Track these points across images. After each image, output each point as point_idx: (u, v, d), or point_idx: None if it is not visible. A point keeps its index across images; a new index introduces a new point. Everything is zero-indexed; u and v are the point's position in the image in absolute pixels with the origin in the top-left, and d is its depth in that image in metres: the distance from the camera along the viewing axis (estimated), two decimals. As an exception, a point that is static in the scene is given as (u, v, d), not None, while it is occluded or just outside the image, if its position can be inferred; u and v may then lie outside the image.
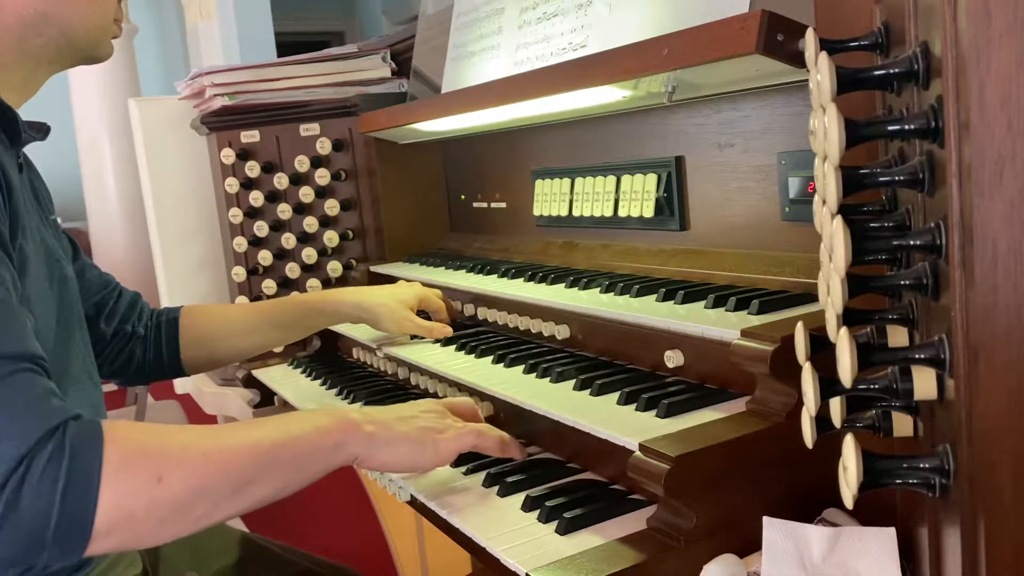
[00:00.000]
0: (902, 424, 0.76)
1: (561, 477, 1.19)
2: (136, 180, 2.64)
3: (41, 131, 1.27)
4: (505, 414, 1.39)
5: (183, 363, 1.58)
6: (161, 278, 2.42)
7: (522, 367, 1.37)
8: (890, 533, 0.83)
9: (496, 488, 1.17)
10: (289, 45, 6.18)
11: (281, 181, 2.15)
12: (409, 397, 1.62)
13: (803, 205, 1.23)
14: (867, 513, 0.86)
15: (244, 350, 1.66)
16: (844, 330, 0.69)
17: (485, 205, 2.08)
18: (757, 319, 1.10)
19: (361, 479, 2.69)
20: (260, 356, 2.07)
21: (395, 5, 8.80)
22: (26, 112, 1.22)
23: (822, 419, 0.76)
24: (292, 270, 2.17)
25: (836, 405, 0.75)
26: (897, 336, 0.76)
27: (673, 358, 1.19)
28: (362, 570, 1.71)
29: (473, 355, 1.50)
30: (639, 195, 1.52)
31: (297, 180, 2.16)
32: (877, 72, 0.71)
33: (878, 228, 0.75)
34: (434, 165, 2.24)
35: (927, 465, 0.69)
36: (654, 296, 1.32)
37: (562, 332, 1.42)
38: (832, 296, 0.72)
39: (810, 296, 1.16)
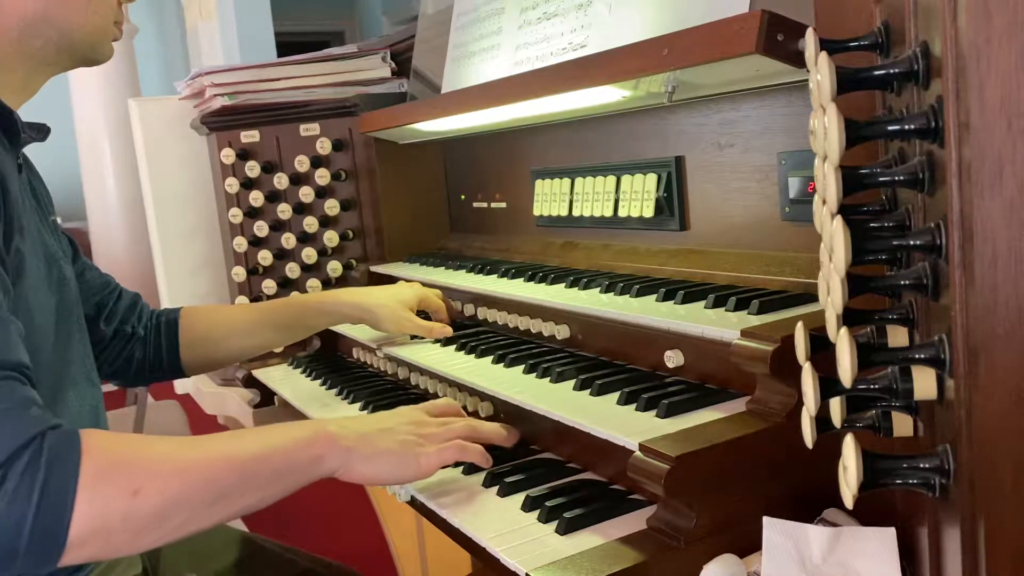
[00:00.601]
0: (902, 424, 0.76)
1: (561, 477, 1.19)
2: (136, 180, 2.64)
3: (41, 132, 1.27)
4: (505, 414, 1.39)
5: (183, 364, 1.58)
6: (161, 278, 2.42)
7: (522, 367, 1.37)
8: (890, 533, 0.83)
9: (496, 488, 1.17)
10: (289, 45, 6.18)
11: (281, 181, 2.15)
12: (409, 397, 1.62)
13: (803, 205, 1.23)
14: (867, 513, 0.86)
15: (244, 351, 1.66)
16: (844, 330, 0.69)
17: (485, 205, 2.08)
18: (757, 319, 1.10)
19: (361, 479, 2.68)
20: (260, 356, 2.07)
21: (395, 5, 8.80)
22: (26, 112, 1.22)
23: (822, 419, 0.76)
24: (292, 270, 2.17)
25: (836, 405, 0.75)
26: (897, 336, 0.76)
27: (673, 358, 1.19)
28: (362, 570, 1.71)
29: (473, 355, 1.50)
30: (639, 195, 1.52)
31: (297, 180, 2.16)
32: (877, 72, 0.71)
33: (878, 228, 0.75)
34: (434, 165, 2.24)
35: (927, 465, 0.69)
36: (654, 296, 1.32)
37: (562, 332, 1.42)
38: (832, 296, 0.72)
39: (810, 296, 1.16)
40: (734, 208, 1.38)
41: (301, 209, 2.17)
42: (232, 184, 2.14)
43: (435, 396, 1.56)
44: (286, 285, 2.18)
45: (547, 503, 1.07)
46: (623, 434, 1.03)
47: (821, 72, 0.70)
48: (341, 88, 2.19)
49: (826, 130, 0.68)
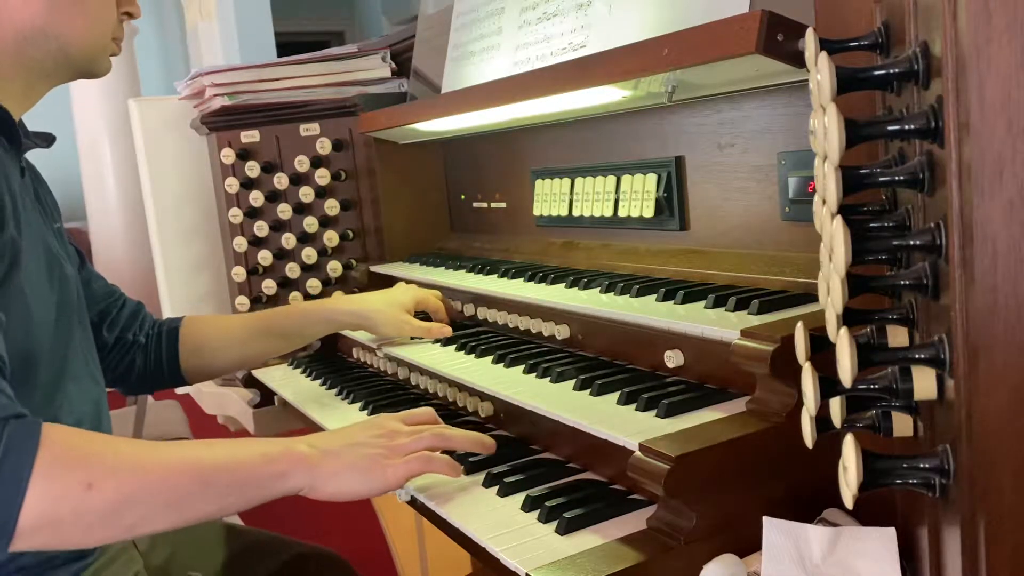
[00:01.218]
0: (902, 424, 0.76)
1: (561, 477, 1.19)
2: (136, 180, 2.64)
3: (47, 140, 1.30)
4: (505, 414, 1.39)
5: (183, 372, 1.60)
6: (161, 278, 2.42)
7: (522, 367, 1.37)
8: (890, 533, 0.83)
9: (496, 488, 1.17)
10: (289, 45, 6.18)
11: (281, 181, 2.15)
12: (409, 397, 1.62)
13: (803, 205, 1.23)
14: (867, 513, 0.86)
15: (243, 359, 1.68)
16: (844, 330, 0.69)
17: (485, 205, 2.08)
18: (757, 319, 1.10)
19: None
20: (260, 357, 2.06)
21: (395, 5, 8.80)
22: (27, 113, 1.23)
23: (822, 419, 0.76)
24: (292, 270, 2.17)
25: (836, 405, 0.75)
26: (897, 336, 0.76)
27: (673, 358, 1.19)
28: (362, 570, 1.72)
29: (473, 355, 1.50)
30: (639, 195, 1.52)
31: (297, 180, 2.16)
32: (877, 72, 0.71)
33: (878, 228, 0.75)
34: (434, 165, 2.24)
35: (927, 465, 0.69)
36: (654, 296, 1.32)
37: (562, 332, 1.42)
38: (832, 296, 0.72)
39: (810, 296, 1.16)
40: (734, 208, 1.38)
41: (301, 209, 2.17)
42: (232, 184, 2.14)
43: (435, 396, 1.56)
44: (286, 285, 2.18)
45: (547, 503, 1.07)
46: (623, 434, 1.03)
47: (821, 72, 0.70)
48: (341, 88, 2.19)
49: (826, 130, 0.68)
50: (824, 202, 0.71)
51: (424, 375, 1.58)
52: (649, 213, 1.50)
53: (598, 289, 1.43)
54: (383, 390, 1.69)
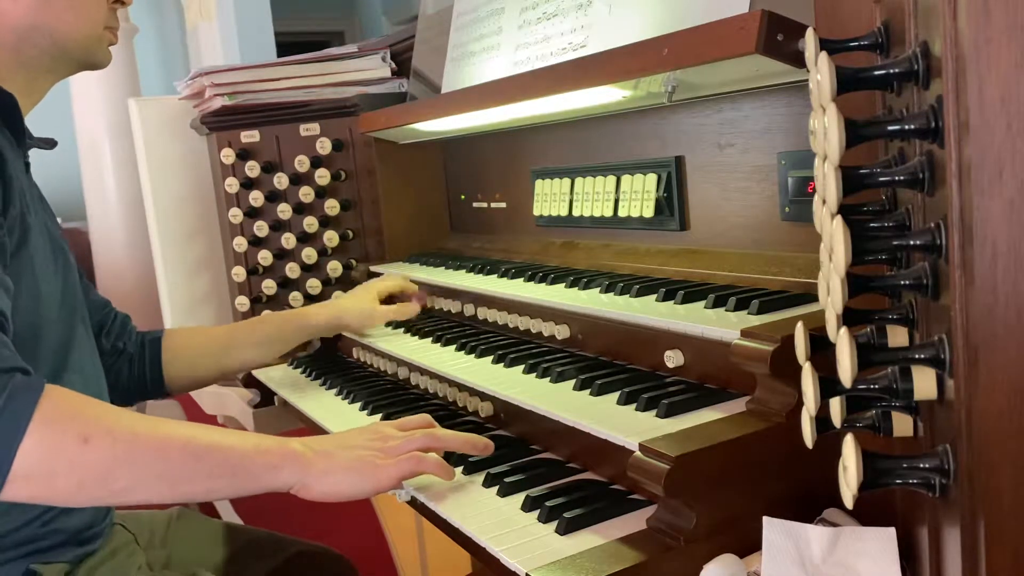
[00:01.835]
0: (902, 424, 0.76)
1: (561, 477, 1.19)
2: (136, 180, 2.64)
3: (48, 144, 1.31)
4: (505, 414, 1.39)
5: (166, 382, 1.62)
6: (161, 278, 2.42)
7: (522, 367, 1.37)
8: (890, 533, 0.83)
9: (496, 488, 1.17)
10: (289, 45, 6.18)
11: (281, 181, 2.15)
12: (409, 397, 1.62)
13: (803, 205, 1.23)
14: (867, 513, 0.86)
15: (225, 368, 1.69)
16: (844, 330, 0.69)
17: (485, 205, 2.08)
18: (757, 319, 1.10)
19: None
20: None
21: (395, 5, 8.80)
22: (27, 113, 1.24)
23: (822, 419, 0.76)
24: (292, 270, 2.17)
25: (836, 405, 0.75)
26: (897, 336, 0.76)
27: (673, 358, 1.19)
28: (362, 570, 1.72)
29: (473, 355, 1.50)
30: (639, 195, 1.52)
31: (297, 180, 2.16)
32: (877, 72, 0.71)
33: (878, 228, 0.75)
34: (434, 165, 2.24)
35: (927, 465, 0.69)
36: (654, 296, 1.32)
37: (562, 332, 1.42)
38: (832, 296, 0.72)
39: (810, 296, 1.16)
40: (734, 208, 1.38)
41: (301, 209, 2.17)
42: (232, 184, 2.14)
43: (435, 396, 1.56)
44: (286, 285, 2.18)
45: (547, 503, 1.07)
46: (623, 434, 1.03)
47: (821, 72, 0.70)
48: (341, 88, 2.19)
49: (826, 130, 0.68)
50: (824, 202, 0.71)
51: (424, 375, 1.58)
52: (649, 213, 1.50)
53: (598, 289, 1.43)
54: (383, 390, 1.69)
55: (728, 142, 1.37)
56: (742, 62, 1.08)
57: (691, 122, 1.44)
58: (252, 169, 2.14)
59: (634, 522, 1.02)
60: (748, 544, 0.91)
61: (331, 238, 2.18)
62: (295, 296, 2.18)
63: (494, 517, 1.09)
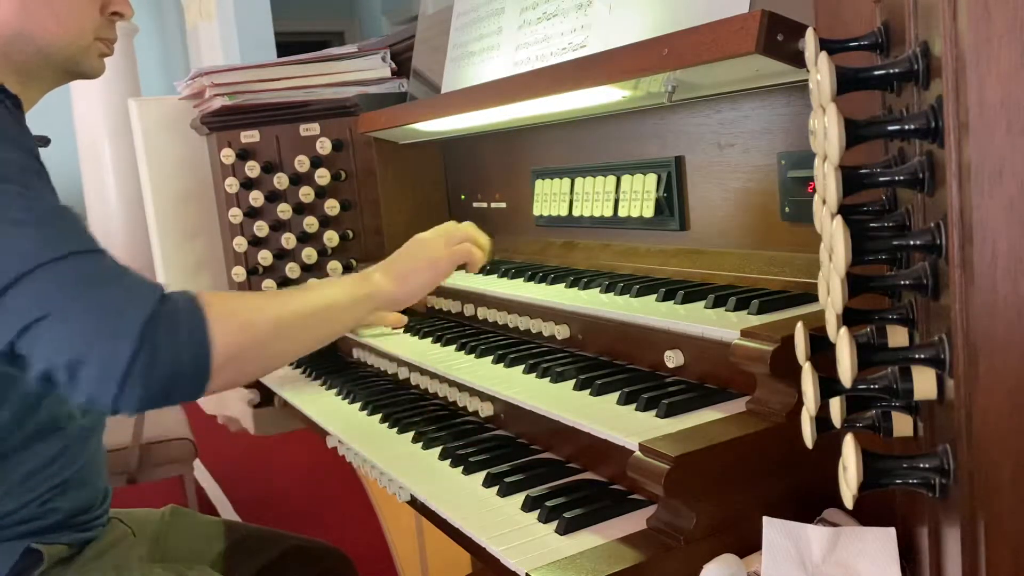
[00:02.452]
0: (902, 424, 0.76)
1: (561, 477, 1.19)
2: (136, 180, 2.64)
3: (43, 141, 1.31)
4: (505, 414, 1.39)
5: None
6: (161, 278, 2.42)
7: (522, 367, 1.37)
8: (890, 533, 0.83)
9: (496, 488, 1.17)
10: (289, 45, 6.18)
11: (281, 181, 2.15)
12: (409, 397, 1.62)
13: (803, 205, 1.23)
14: (867, 513, 0.86)
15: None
16: (844, 330, 0.69)
17: (485, 205, 2.08)
18: (757, 319, 1.10)
19: (361, 479, 2.69)
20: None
21: (395, 5, 8.80)
22: (28, 115, 1.25)
23: (822, 419, 0.76)
24: (292, 270, 2.17)
25: (836, 405, 0.75)
26: (897, 336, 0.76)
27: (673, 358, 1.19)
28: (362, 570, 1.72)
29: (473, 355, 1.50)
30: (639, 195, 1.52)
31: (297, 180, 2.16)
32: (877, 72, 0.71)
33: (878, 228, 0.75)
34: (434, 165, 2.24)
35: (927, 465, 0.69)
36: (654, 296, 1.32)
37: (562, 332, 1.42)
38: (832, 296, 0.72)
39: (810, 296, 1.16)
40: (734, 208, 1.38)
41: (301, 209, 2.17)
42: (232, 184, 2.14)
43: (435, 396, 1.56)
44: (286, 285, 2.18)
45: (547, 503, 1.07)
46: (623, 434, 1.03)
47: (821, 72, 0.70)
48: (341, 88, 2.19)
49: (826, 130, 0.68)
50: (824, 202, 0.71)
51: (424, 375, 1.58)
52: (649, 213, 1.50)
53: (598, 289, 1.43)
54: (383, 390, 1.70)
55: (728, 142, 1.37)
56: (742, 62, 1.08)
57: (691, 122, 1.44)
58: (252, 169, 2.14)
59: (634, 522, 1.02)
60: (748, 544, 0.91)
61: (331, 238, 2.18)
62: (295, 296, 2.17)
63: (494, 517, 1.09)
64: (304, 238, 2.19)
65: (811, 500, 0.93)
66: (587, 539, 1.00)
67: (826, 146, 0.68)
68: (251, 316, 1.16)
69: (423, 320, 1.81)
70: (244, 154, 2.14)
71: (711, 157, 1.41)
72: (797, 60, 1.02)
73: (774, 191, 1.29)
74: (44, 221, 1.07)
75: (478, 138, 2.04)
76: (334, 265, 2.20)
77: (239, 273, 2.17)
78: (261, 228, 2.16)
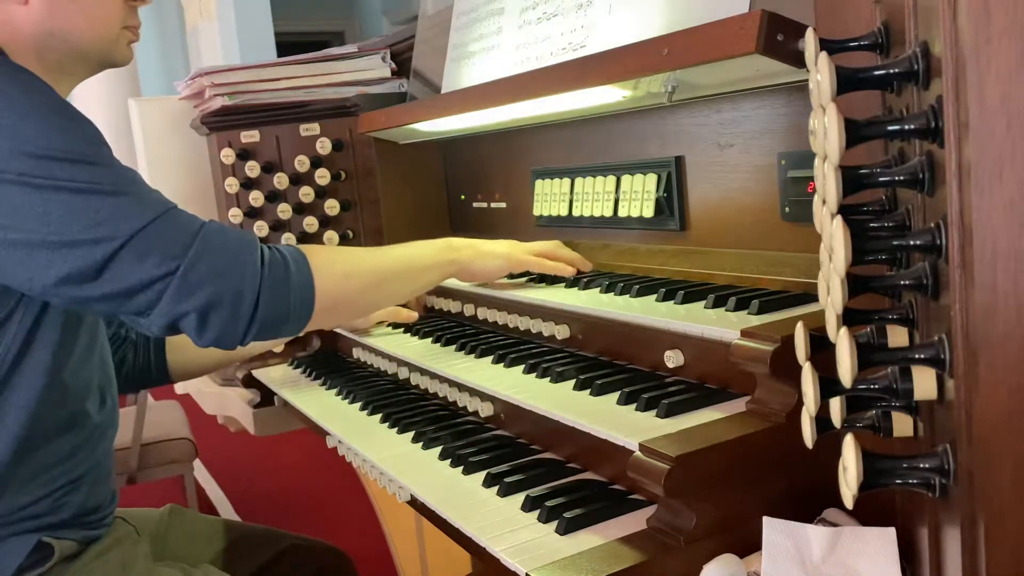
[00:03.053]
0: (902, 424, 0.76)
1: (561, 477, 1.19)
2: (136, 180, 2.63)
3: None
4: (505, 414, 1.39)
5: (169, 369, 1.65)
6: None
7: (522, 367, 1.37)
8: (890, 533, 0.83)
9: (496, 488, 1.17)
10: (289, 45, 6.18)
11: (281, 181, 2.15)
12: (410, 397, 1.62)
13: (803, 205, 1.23)
14: (867, 513, 0.86)
15: (225, 356, 1.70)
16: (844, 330, 0.69)
17: (485, 205, 2.08)
18: (757, 319, 1.10)
19: (361, 479, 2.69)
20: (260, 356, 2.07)
21: (395, 5, 8.80)
22: None
23: (822, 419, 0.76)
24: (292, 270, 2.17)
25: (836, 405, 0.75)
26: (897, 336, 0.76)
27: (673, 358, 1.19)
28: (362, 570, 1.72)
29: (473, 355, 1.50)
30: (639, 195, 1.52)
31: (297, 180, 2.16)
32: (877, 72, 0.71)
33: (878, 228, 0.75)
34: (434, 165, 2.24)
35: (927, 465, 0.69)
36: (654, 296, 1.32)
37: (562, 332, 1.42)
38: (832, 296, 0.72)
39: (810, 296, 1.16)
40: (734, 208, 1.38)
41: (301, 209, 2.17)
42: (232, 184, 2.14)
43: (435, 396, 1.56)
44: (286, 285, 2.18)
45: (547, 503, 1.07)
46: (623, 434, 1.03)
47: (821, 72, 0.70)
48: (341, 88, 2.19)
49: (826, 130, 0.68)
50: (824, 202, 0.71)
51: (424, 375, 1.58)
52: (649, 213, 1.50)
53: (598, 289, 1.43)
54: (383, 390, 1.70)
55: (728, 142, 1.37)
56: (742, 62, 1.08)
57: (691, 122, 1.44)
58: (252, 169, 2.14)
59: (634, 522, 1.02)
60: (748, 544, 0.91)
61: (331, 238, 2.18)
62: (295, 296, 2.17)
63: (494, 517, 1.09)
64: (304, 238, 2.18)
65: (811, 500, 0.93)
66: (587, 539, 1.00)
67: (826, 146, 0.68)
68: (348, 267, 1.30)
69: (423, 320, 1.81)
70: (244, 154, 2.14)
71: (711, 157, 1.41)
72: (797, 60, 1.02)
73: (774, 191, 1.29)
74: (133, 186, 1.15)
75: (478, 138, 2.04)
76: (334, 265, 2.19)
77: (239, 273, 2.16)
78: (261, 228, 2.16)
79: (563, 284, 1.53)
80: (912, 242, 0.69)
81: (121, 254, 1.09)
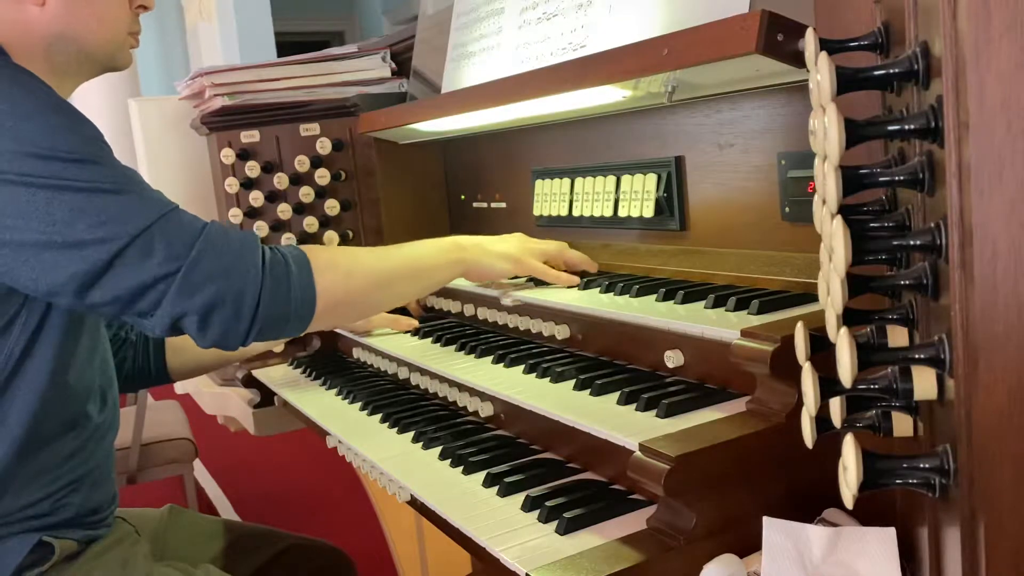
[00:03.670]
0: (902, 424, 0.76)
1: (561, 477, 1.20)
2: (136, 180, 2.63)
3: None
4: (505, 414, 1.39)
5: (168, 369, 1.66)
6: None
7: (522, 367, 1.37)
8: (890, 533, 0.83)
9: (496, 488, 1.17)
10: (289, 45, 6.18)
11: (281, 181, 2.15)
12: (410, 397, 1.62)
13: (803, 205, 1.23)
14: (867, 513, 0.86)
15: (223, 355, 1.70)
16: (844, 330, 0.69)
17: (485, 205, 2.08)
18: (757, 319, 1.10)
19: (361, 479, 2.69)
20: (260, 356, 2.07)
21: (395, 5, 8.80)
22: None
23: (822, 419, 0.76)
24: (292, 270, 2.17)
25: (836, 405, 0.75)
26: (897, 336, 0.76)
27: (673, 358, 1.19)
28: (362, 570, 1.72)
29: (473, 355, 1.50)
30: (639, 195, 1.52)
31: (297, 180, 2.16)
32: (877, 72, 0.71)
33: (878, 228, 0.75)
34: (434, 165, 2.24)
35: (927, 465, 0.69)
36: (654, 296, 1.32)
37: (562, 332, 1.42)
38: (832, 296, 0.72)
39: (810, 296, 1.16)
40: (734, 208, 1.38)
41: (301, 209, 2.17)
42: (232, 184, 2.14)
43: (435, 396, 1.56)
44: (286, 285, 2.18)
45: (547, 503, 1.07)
46: (623, 434, 1.03)
47: (821, 72, 0.70)
48: (341, 88, 2.19)
49: (826, 130, 0.68)
50: (824, 202, 0.71)
51: (424, 375, 1.58)
52: (649, 213, 1.50)
53: (598, 289, 1.44)
54: (383, 390, 1.70)
55: (728, 142, 1.37)
56: (742, 62, 1.08)
57: (691, 122, 1.44)
58: (252, 169, 2.14)
59: (634, 522, 1.02)
60: (748, 544, 0.91)
61: (331, 238, 2.18)
62: (295, 296, 2.17)
63: (494, 517, 1.09)
64: (304, 238, 2.18)
65: (811, 500, 0.93)
66: (587, 539, 1.00)
67: (826, 146, 0.68)
68: (351, 267, 1.29)
69: (423, 320, 1.81)
70: (244, 154, 2.14)
71: (711, 157, 1.41)
72: (797, 60, 1.02)
73: (774, 191, 1.29)
74: (135, 185, 1.15)
75: (478, 138, 2.04)
76: (334, 265, 2.19)
77: (239, 273, 2.16)
78: (261, 228, 2.15)
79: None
80: (912, 242, 0.69)
81: (126, 253, 1.09)
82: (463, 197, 2.18)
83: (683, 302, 1.25)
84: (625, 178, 1.56)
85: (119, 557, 1.32)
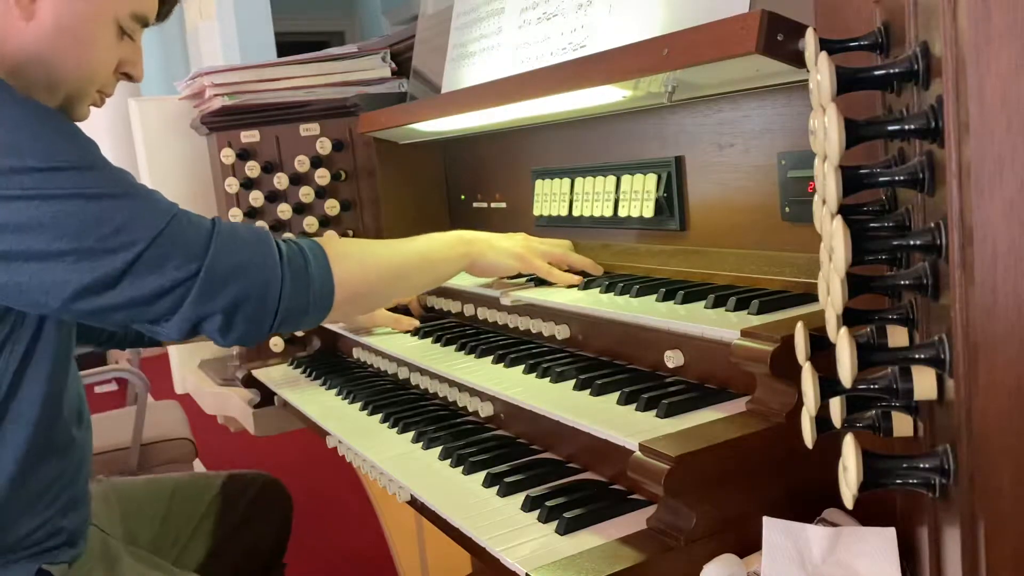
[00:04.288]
0: (902, 424, 0.76)
1: (561, 477, 1.19)
2: (136, 180, 2.63)
3: None
4: (505, 414, 1.39)
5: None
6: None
7: (522, 367, 1.37)
8: (890, 533, 0.83)
9: (496, 488, 1.17)
10: (289, 45, 6.17)
11: (281, 181, 2.15)
12: (410, 397, 1.62)
13: (803, 205, 1.23)
14: (867, 513, 0.86)
15: None
16: (844, 330, 0.69)
17: (485, 205, 2.08)
18: (757, 319, 1.10)
19: (361, 479, 2.69)
20: (260, 356, 2.07)
21: (395, 5, 8.80)
22: None
23: (822, 419, 0.76)
24: (292, 270, 2.17)
25: (836, 405, 0.75)
26: (897, 336, 0.76)
27: (673, 358, 1.19)
28: (362, 570, 1.73)
29: (473, 355, 1.50)
30: (639, 195, 1.52)
31: (297, 180, 2.16)
32: (877, 72, 0.71)
33: (878, 228, 0.75)
34: (434, 165, 2.24)
35: (927, 465, 0.69)
36: (654, 296, 1.32)
37: (562, 332, 1.42)
38: (832, 296, 0.72)
39: (810, 296, 1.16)
40: (734, 208, 1.38)
41: (301, 209, 2.17)
42: (232, 184, 2.14)
43: (435, 396, 1.56)
44: (286, 285, 2.18)
45: (547, 503, 1.07)
46: (623, 434, 1.03)
47: (821, 72, 0.70)
48: (341, 88, 2.19)
49: (826, 130, 0.68)
50: (824, 202, 0.71)
51: (424, 375, 1.58)
52: (649, 213, 1.50)
53: (598, 289, 1.43)
54: (383, 390, 1.70)
55: (728, 142, 1.37)
56: (742, 62, 1.08)
57: (691, 122, 1.44)
58: (252, 169, 2.15)
59: (634, 522, 1.02)
60: (748, 544, 0.91)
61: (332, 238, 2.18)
62: (295, 296, 2.17)
63: (494, 517, 1.09)
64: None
65: (811, 500, 0.93)
66: (587, 539, 1.00)
67: (826, 146, 0.68)
68: (365, 258, 1.31)
69: (423, 320, 1.81)
70: (244, 154, 2.15)
71: (711, 157, 1.41)
72: (797, 60, 1.02)
73: (774, 191, 1.29)
74: (137, 188, 1.13)
75: (478, 138, 2.04)
76: (334, 265, 2.19)
77: (239, 273, 2.16)
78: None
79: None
80: (912, 242, 0.69)
81: (142, 259, 1.06)
82: (463, 197, 2.18)
83: (683, 302, 1.25)
84: (625, 178, 1.56)
85: (105, 568, 1.31)
